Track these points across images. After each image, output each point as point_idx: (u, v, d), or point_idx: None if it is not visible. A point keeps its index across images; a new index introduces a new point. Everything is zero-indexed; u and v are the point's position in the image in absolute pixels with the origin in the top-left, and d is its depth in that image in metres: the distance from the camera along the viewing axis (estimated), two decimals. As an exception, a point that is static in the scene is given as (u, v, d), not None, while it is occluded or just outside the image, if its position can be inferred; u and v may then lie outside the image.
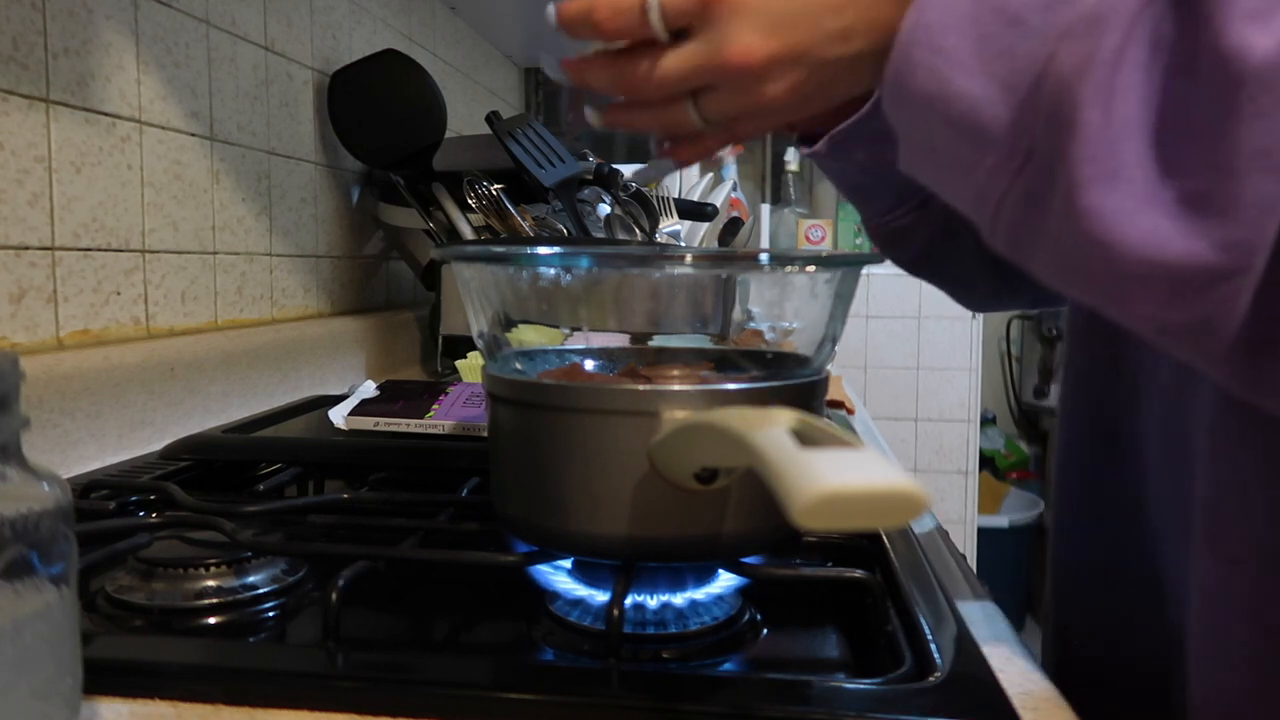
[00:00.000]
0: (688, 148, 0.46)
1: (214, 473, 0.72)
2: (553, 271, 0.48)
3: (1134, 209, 0.29)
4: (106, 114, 0.79)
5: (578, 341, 0.56)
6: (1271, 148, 0.27)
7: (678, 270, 0.51)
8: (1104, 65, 0.30)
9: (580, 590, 0.48)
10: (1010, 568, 2.78)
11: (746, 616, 0.48)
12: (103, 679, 0.37)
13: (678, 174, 2.20)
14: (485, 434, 0.51)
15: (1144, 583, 0.47)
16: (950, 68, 0.33)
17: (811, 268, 0.48)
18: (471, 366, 1.00)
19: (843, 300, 0.49)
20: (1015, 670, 0.40)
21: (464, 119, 1.73)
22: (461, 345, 1.22)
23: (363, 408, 0.76)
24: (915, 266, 0.63)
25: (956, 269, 0.61)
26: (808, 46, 0.38)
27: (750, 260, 0.51)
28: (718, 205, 1.79)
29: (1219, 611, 0.40)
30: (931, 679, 0.38)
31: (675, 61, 0.41)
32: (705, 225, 1.76)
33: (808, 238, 2.42)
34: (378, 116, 1.19)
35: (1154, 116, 0.30)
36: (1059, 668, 0.54)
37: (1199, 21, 0.29)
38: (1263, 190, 0.27)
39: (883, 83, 0.35)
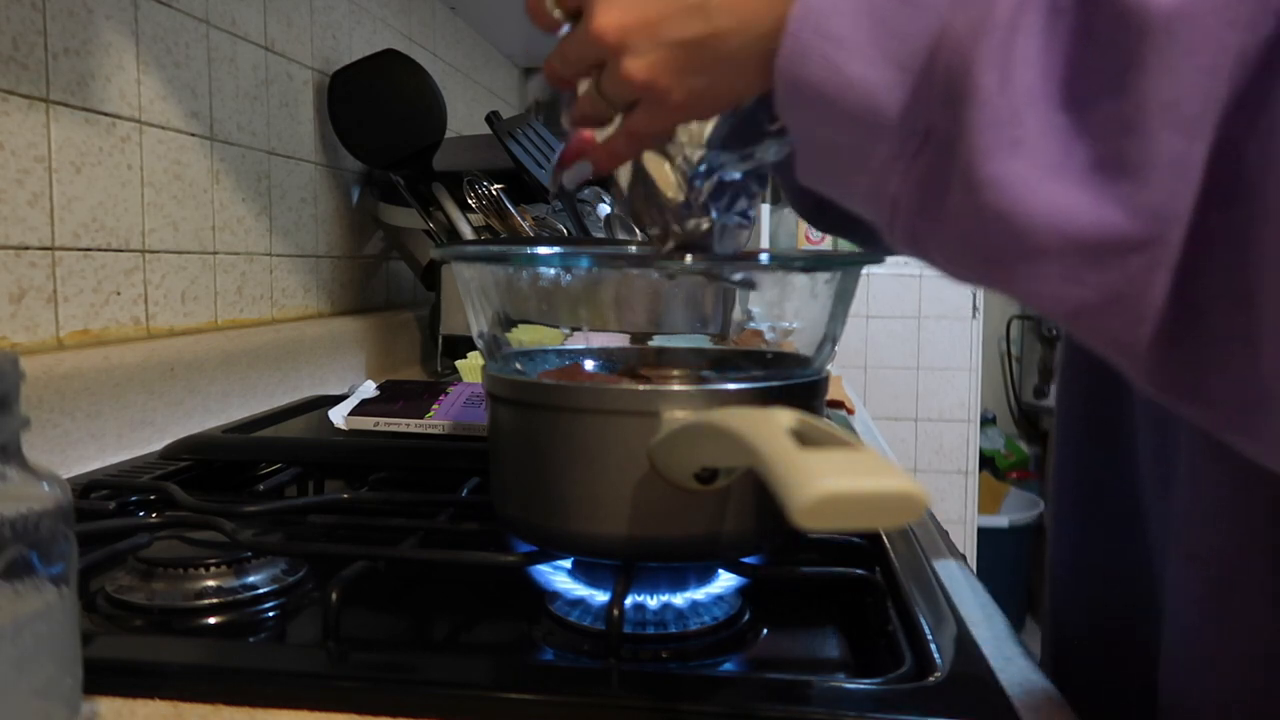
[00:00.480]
0: (599, 147, 0.45)
1: (214, 473, 0.72)
2: (553, 271, 0.48)
3: (1039, 177, 0.28)
4: (106, 114, 0.79)
5: (578, 341, 0.56)
6: (1179, 99, 0.26)
7: (678, 270, 0.51)
8: (999, 28, 0.28)
9: (580, 590, 0.48)
10: (1010, 568, 2.78)
11: (746, 616, 0.48)
12: (103, 679, 0.37)
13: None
14: (485, 434, 0.51)
15: (1136, 585, 0.47)
16: (843, 53, 0.31)
17: (811, 268, 0.48)
18: (471, 366, 1.00)
19: (843, 300, 0.49)
20: (1015, 670, 0.40)
21: (464, 119, 1.73)
22: (461, 345, 1.22)
23: (363, 408, 0.76)
24: (832, 228, 0.61)
25: (871, 234, 0.61)
26: (658, 20, 0.37)
27: (750, 260, 0.51)
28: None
29: (1186, 615, 0.40)
30: (931, 679, 0.38)
31: (567, 42, 0.42)
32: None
33: (808, 238, 2.42)
34: (378, 116, 1.19)
35: (1056, 83, 0.28)
36: (1057, 668, 0.54)
37: None
38: (1174, 147, 0.26)
39: (777, 78, 0.34)
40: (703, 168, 0.44)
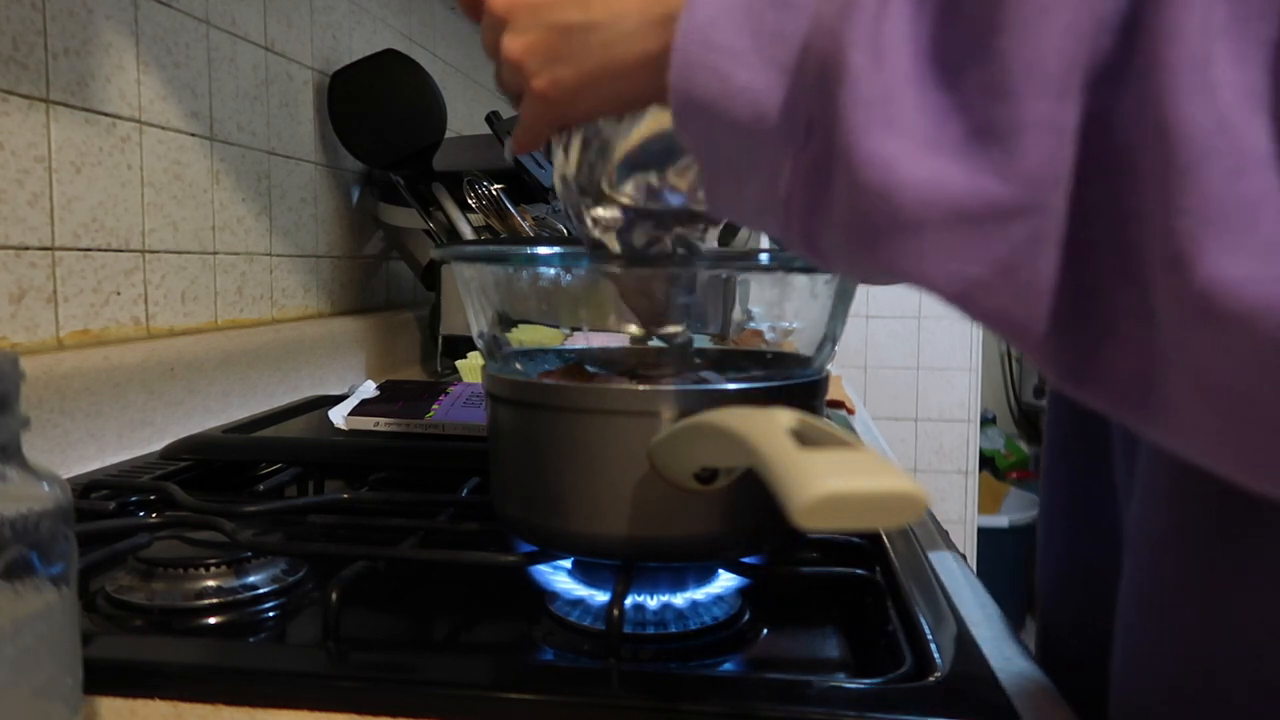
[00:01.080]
0: (516, 132, 0.45)
1: (214, 473, 0.72)
2: (553, 271, 0.48)
3: (914, 151, 0.27)
4: (106, 114, 0.79)
5: (578, 341, 0.56)
6: (1040, 59, 0.26)
7: (678, 270, 0.51)
8: (866, 9, 0.28)
9: (580, 590, 0.48)
10: (1010, 568, 2.78)
11: (746, 616, 0.48)
12: (103, 679, 0.37)
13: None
14: (485, 434, 0.51)
15: (1112, 592, 0.47)
16: (729, 63, 0.31)
17: (811, 270, 0.48)
18: (471, 366, 1.00)
19: (843, 300, 0.49)
20: (1015, 670, 0.40)
21: (464, 119, 1.73)
22: (461, 345, 1.22)
23: (363, 408, 0.76)
24: None
25: None
26: (542, 2, 0.38)
27: (750, 260, 0.51)
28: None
29: (1127, 616, 0.40)
30: (931, 679, 0.38)
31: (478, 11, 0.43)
32: (705, 225, 1.76)
33: (808, 238, 2.42)
34: (378, 116, 1.19)
35: (926, 58, 0.28)
36: (1046, 670, 0.54)
37: None
38: (1040, 110, 0.26)
39: (670, 95, 0.33)
40: (617, 173, 0.44)
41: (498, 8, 0.39)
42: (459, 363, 1.04)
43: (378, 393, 0.80)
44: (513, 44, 0.39)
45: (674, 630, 0.45)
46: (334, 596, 0.43)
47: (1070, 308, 0.27)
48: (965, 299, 0.29)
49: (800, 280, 0.49)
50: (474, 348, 0.90)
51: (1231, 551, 0.35)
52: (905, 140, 0.28)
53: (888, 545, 0.53)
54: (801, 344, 0.50)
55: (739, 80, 0.31)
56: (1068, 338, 0.28)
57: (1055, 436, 0.53)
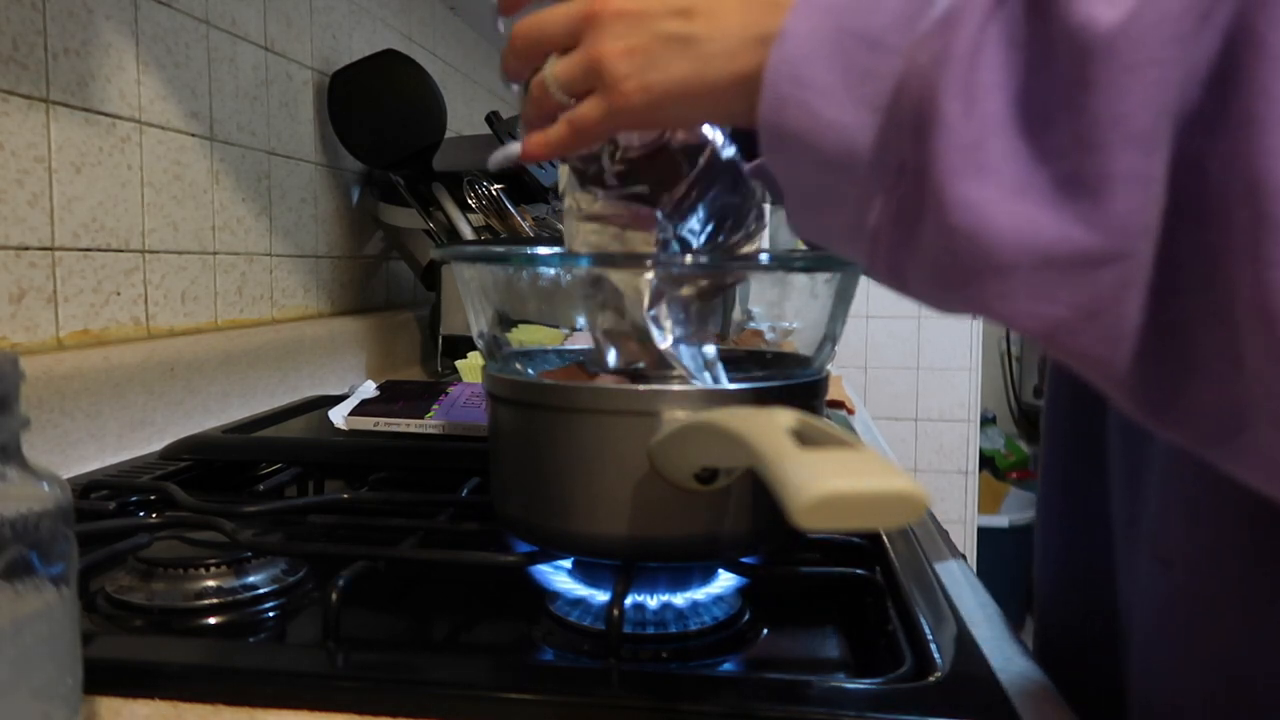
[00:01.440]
0: (536, 134, 0.44)
1: (214, 473, 0.72)
2: (553, 271, 0.48)
3: (1004, 199, 0.29)
4: (106, 114, 0.79)
5: (578, 341, 0.56)
6: (1127, 113, 0.27)
7: (678, 270, 0.51)
8: (959, 60, 0.29)
9: (580, 590, 0.48)
10: (1010, 568, 2.78)
11: (746, 616, 0.48)
12: (103, 679, 0.37)
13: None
14: (485, 434, 0.51)
15: (1118, 596, 0.46)
16: (819, 99, 0.32)
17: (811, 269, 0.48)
18: (471, 366, 1.00)
19: (843, 300, 0.49)
20: (1015, 670, 0.40)
21: (464, 119, 1.73)
22: (461, 345, 1.22)
23: (363, 408, 0.76)
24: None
25: None
26: (648, 11, 0.38)
27: (750, 260, 0.51)
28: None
29: (1156, 621, 0.40)
30: (931, 679, 0.38)
31: (549, 12, 0.42)
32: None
33: (808, 238, 2.42)
34: (378, 116, 1.19)
35: (1016, 107, 0.29)
36: (1045, 669, 0.54)
37: (1050, 10, 0.28)
38: (1129, 162, 0.27)
39: (759, 127, 0.35)
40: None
41: (607, 10, 0.39)
42: (459, 363, 1.04)
43: (378, 393, 0.80)
44: (611, 46, 0.39)
45: (674, 630, 0.45)
46: (334, 596, 0.43)
47: (1155, 347, 0.28)
48: (1049, 338, 0.30)
49: (800, 280, 0.49)
50: (474, 348, 0.90)
51: (1273, 569, 0.35)
52: (995, 186, 0.29)
53: (888, 545, 0.53)
54: (801, 344, 0.50)
55: (827, 116, 0.32)
56: (1152, 375, 0.28)
57: (1053, 439, 0.53)
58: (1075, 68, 0.28)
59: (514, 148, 0.46)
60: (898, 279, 0.33)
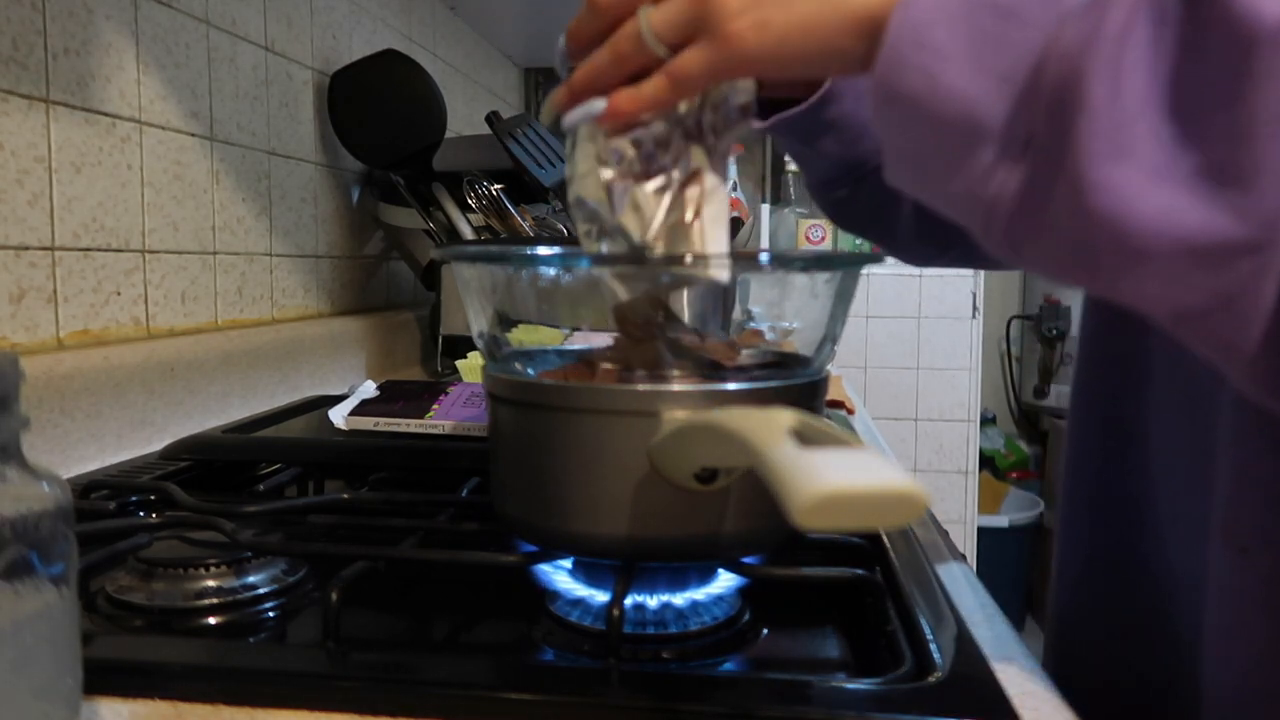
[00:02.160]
0: (626, 90, 0.41)
1: (214, 473, 0.72)
2: (553, 271, 0.48)
3: (1147, 183, 0.28)
4: (106, 114, 0.79)
5: (578, 341, 0.56)
6: None
7: (678, 270, 0.51)
8: (1109, 41, 0.29)
9: (580, 590, 0.48)
10: (1010, 568, 2.78)
11: (746, 616, 0.48)
12: (103, 679, 0.37)
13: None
14: (485, 434, 0.51)
15: (1151, 582, 0.46)
16: (941, 64, 0.32)
17: (811, 268, 0.48)
18: (471, 366, 1.00)
19: (843, 300, 0.49)
20: (1015, 670, 0.40)
21: (464, 119, 1.73)
22: (461, 345, 1.22)
23: (363, 408, 0.76)
24: (853, 229, 0.65)
25: (889, 232, 0.63)
26: None
27: (750, 260, 0.51)
28: (718, 205, 1.79)
29: (1235, 609, 0.40)
30: (931, 679, 0.38)
31: None
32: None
33: (808, 238, 2.42)
34: (378, 116, 1.19)
35: (1164, 93, 0.29)
36: (1060, 668, 0.54)
37: None
38: None
39: (872, 84, 0.34)
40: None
41: None
42: (459, 363, 1.04)
43: (378, 393, 0.80)
44: None
45: (674, 630, 0.45)
46: (334, 596, 0.43)
47: None
48: (1179, 322, 0.30)
49: (800, 280, 0.49)
50: (474, 348, 0.90)
51: None
52: (1138, 169, 0.29)
53: (888, 545, 0.53)
54: (801, 344, 0.50)
55: (948, 82, 0.32)
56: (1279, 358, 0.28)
57: (1082, 428, 0.52)
58: (1236, 57, 0.27)
59: (596, 105, 0.42)
60: (1014, 249, 0.33)
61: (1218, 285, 0.28)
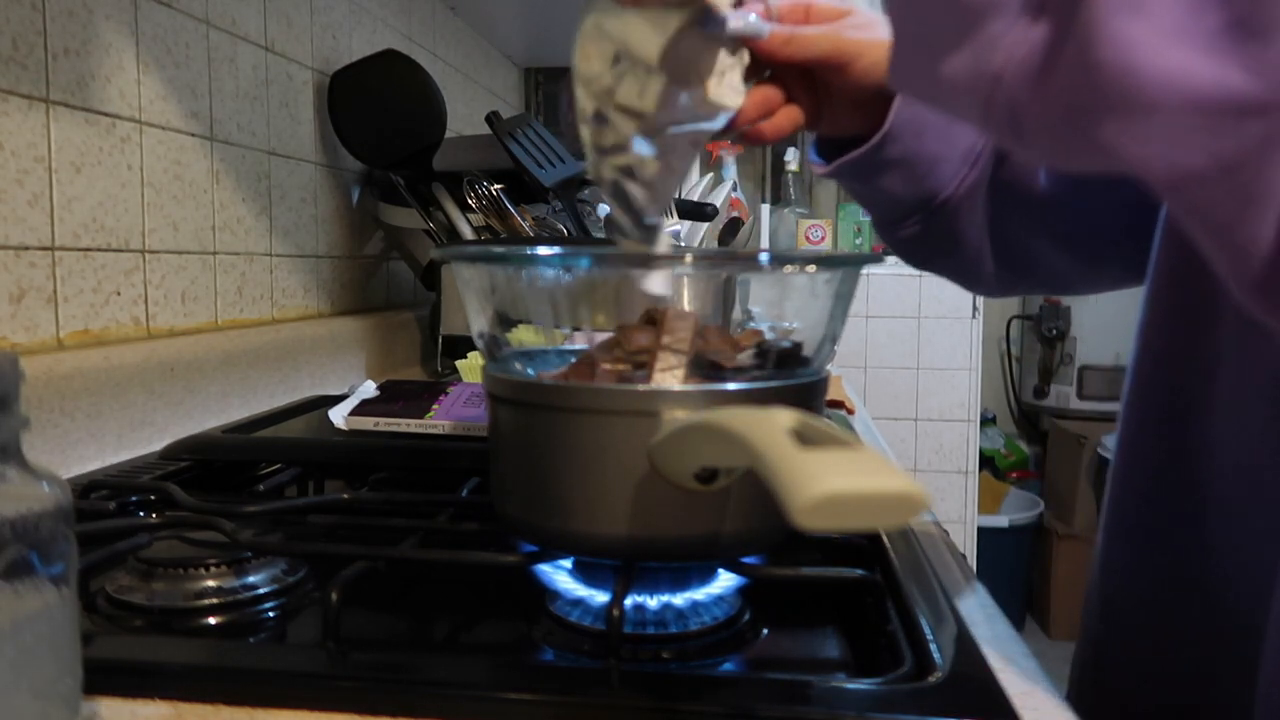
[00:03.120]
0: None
1: (214, 473, 0.72)
2: (552, 271, 0.48)
3: (1161, 38, 0.27)
4: (106, 114, 0.79)
5: (578, 341, 0.56)
6: None
7: (678, 270, 0.51)
8: None
9: (580, 590, 0.48)
10: (1010, 568, 2.78)
11: (746, 616, 0.48)
12: (103, 679, 0.37)
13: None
14: (485, 434, 0.51)
15: (1205, 602, 0.45)
16: None
17: (811, 268, 0.48)
18: (471, 366, 1.00)
19: (843, 300, 0.49)
20: (1015, 670, 0.40)
21: (464, 119, 1.73)
22: (461, 345, 1.22)
23: (363, 408, 0.76)
24: (925, 265, 0.64)
25: (964, 264, 0.63)
26: None
27: (750, 260, 0.51)
28: (718, 205, 1.79)
29: None
30: (931, 679, 0.38)
31: None
32: (705, 225, 1.76)
33: (808, 238, 2.42)
34: (378, 116, 1.19)
35: None
36: (1093, 688, 0.53)
37: None
38: None
39: None
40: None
41: None
42: (459, 363, 1.04)
43: (378, 393, 0.80)
44: None
45: (674, 630, 0.45)
46: (334, 596, 0.43)
47: None
48: (1176, 189, 0.29)
49: (800, 280, 0.49)
50: (474, 348, 0.90)
51: None
52: (1152, 26, 0.28)
53: (888, 545, 0.53)
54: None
55: None
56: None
57: (1143, 404, 0.51)
58: None
59: (758, 27, 0.47)
60: (1014, 127, 0.32)
61: (1221, 148, 0.27)
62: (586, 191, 1.31)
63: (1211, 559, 0.45)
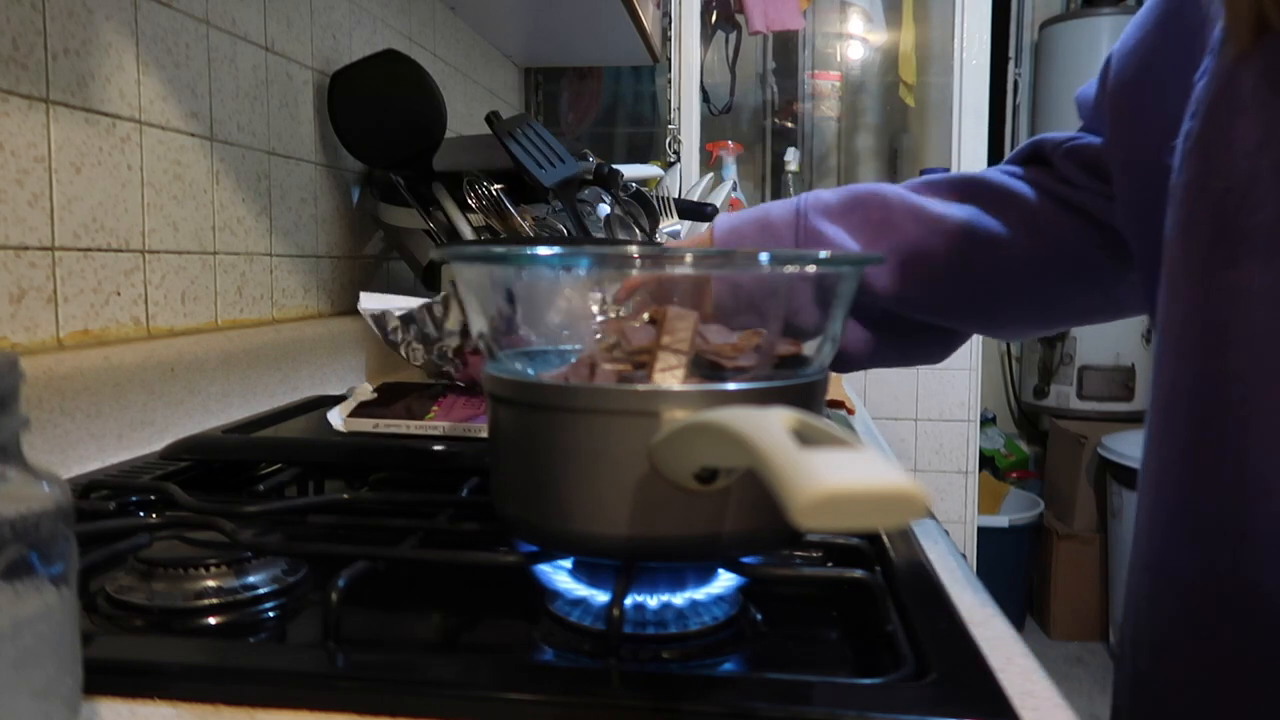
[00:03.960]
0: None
1: (214, 473, 0.72)
2: (552, 271, 0.48)
3: None
4: (106, 114, 0.79)
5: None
6: None
7: (678, 270, 0.51)
8: None
9: (581, 590, 0.48)
10: (1010, 568, 2.78)
11: (746, 616, 0.48)
12: (103, 679, 0.37)
13: (678, 174, 2.20)
14: (485, 434, 0.51)
15: (1238, 552, 0.44)
16: None
17: (811, 268, 0.48)
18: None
19: (843, 300, 0.49)
20: (1015, 670, 0.40)
21: (464, 119, 1.73)
22: (461, 345, 1.22)
23: (362, 409, 0.76)
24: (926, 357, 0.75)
25: (952, 341, 0.72)
26: None
27: (750, 260, 0.51)
28: (718, 205, 1.79)
29: None
30: (931, 679, 0.38)
31: None
32: (705, 225, 1.76)
33: (808, 238, 2.41)
34: (378, 116, 1.18)
35: None
36: (1152, 629, 0.51)
37: None
38: None
39: None
40: None
41: None
42: (459, 362, 1.04)
43: (375, 395, 0.80)
44: None
45: (674, 630, 0.45)
46: (334, 596, 0.43)
47: None
48: None
49: (800, 280, 0.49)
50: (474, 348, 0.89)
51: None
52: None
53: (888, 545, 0.53)
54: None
55: None
56: None
57: (1172, 383, 0.50)
58: None
59: None
60: None
61: None
62: (586, 191, 1.31)
63: (1257, 560, 0.44)
